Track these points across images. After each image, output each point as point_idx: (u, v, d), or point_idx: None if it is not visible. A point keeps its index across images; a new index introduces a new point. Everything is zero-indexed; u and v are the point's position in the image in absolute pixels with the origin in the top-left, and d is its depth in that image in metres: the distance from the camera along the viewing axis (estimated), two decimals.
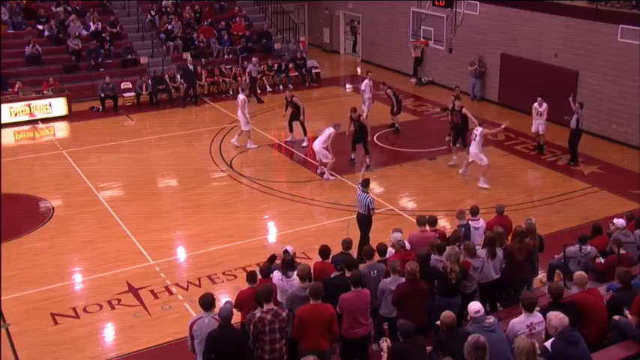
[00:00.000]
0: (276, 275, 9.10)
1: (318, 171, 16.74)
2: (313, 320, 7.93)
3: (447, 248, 9.20)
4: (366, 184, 12.47)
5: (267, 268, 9.25)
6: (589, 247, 10.83)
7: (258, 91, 23.67)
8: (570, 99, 17.47)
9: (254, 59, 23.96)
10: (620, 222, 11.17)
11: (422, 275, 8.77)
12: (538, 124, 18.10)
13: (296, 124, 18.96)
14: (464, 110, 17.23)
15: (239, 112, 18.46)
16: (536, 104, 17.99)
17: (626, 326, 8.01)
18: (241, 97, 18.54)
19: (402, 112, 20.30)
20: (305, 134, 18.88)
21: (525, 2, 20.78)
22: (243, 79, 23.94)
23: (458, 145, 17.29)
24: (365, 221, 12.36)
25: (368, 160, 16.78)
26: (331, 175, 16.43)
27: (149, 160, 18.43)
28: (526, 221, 10.55)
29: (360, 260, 9.89)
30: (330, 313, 8.03)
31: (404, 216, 14.47)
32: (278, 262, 9.63)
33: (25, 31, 24.35)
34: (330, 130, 16.21)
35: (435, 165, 17.51)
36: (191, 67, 22.81)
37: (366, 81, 20.51)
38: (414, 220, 11.33)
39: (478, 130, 15.90)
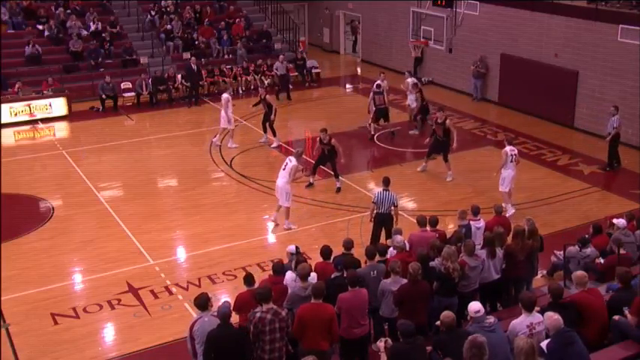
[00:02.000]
0: (290, 275, 9.08)
1: (272, 218, 14.34)
2: (313, 319, 7.94)
3: (444, 248, 9.19)
4: (388, 182, 12.46)
5: (279, 266, 9.24)
6: (589, 250, 10.84)
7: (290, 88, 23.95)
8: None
9: (281, 57, 24.07)
10: (620, 222, 11.18)
11: (423, 275, 8.78)
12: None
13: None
14: (448, 123, 16.27)
15: (222, 112, 18.54)
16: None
17: (626, 326, 8.01)
18: (225, 95, 18.60)
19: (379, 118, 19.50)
20: (274, 135, 18.72)
21: (525, 2, 20.78)
22: (262, 78, 24.04)
23: (432, 158, 16.75)
24: (388, 220, 12.30)
25: (338, 183, 15.86)
26: (292, 224, 14.05)
27: (149, 160, 18.43)
28: (527, 222, 10.56)
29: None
30: (331, 313, 8.04)
31: (404, 216, 14.46)
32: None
33: (25, 31, 24.36)
34: (291, 163, 13.82)
35: (435, 165, 17.47)
36: (194, 66, 22.84)
37: (378, 82, 19.73)
38: (414, 220, 11.34)
39: (515, 151, 14.47)
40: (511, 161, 14.32)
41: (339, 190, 15.81)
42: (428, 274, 9.00)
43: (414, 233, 10.75)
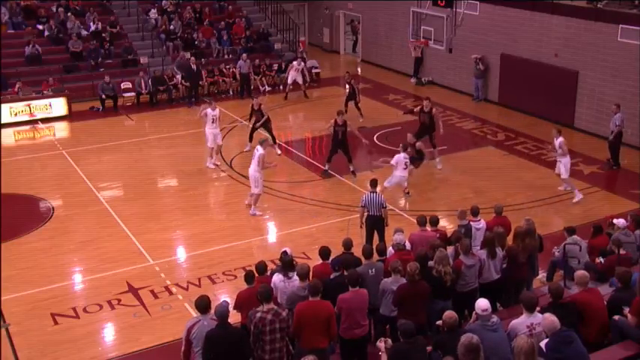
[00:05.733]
0: (277, 277, 9.09)
1: (246, 202, 14.91)
2: (311, 317, 7.94)
3: (436, 253, 9.18)
4: (375, 184, 12.44)
5: (262, 266, 9.21)
6: (577, 238, 10.97)
7: (252, 87, 24.08)
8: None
9: (244, 55, 24.13)
10: (620, 222, 11.17)
11: (422, 275, 8.78)
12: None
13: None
14: (434, 111, 17.05)
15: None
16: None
17: (626, 326, 8.01)
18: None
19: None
20: (251, 140, 18.14)
21: (525, 2, 20.78)
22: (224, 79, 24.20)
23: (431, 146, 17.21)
24: (380, 222, 12.28)
25: (352, 167, 16.42)
26: (258, 211, 14.60)
27: (149, 160, 18.43)
28: (526, 221, 10.56)
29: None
30: (329, 310, 8.04)
31: (404, 216, 14.47)
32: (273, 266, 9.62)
33: (25, 31, 24.35)
34: (259, 152, 14.27)
35: (434, 166, 17.47)
36: (194, 66, 22.84)
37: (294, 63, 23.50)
38: (415, 220, 11.33)
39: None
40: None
41: (354, 173, 16.23)
42: (427, 273, 9.00)
43: (415, 233, 10.74)
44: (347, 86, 21.22)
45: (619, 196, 15.58)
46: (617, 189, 16.12)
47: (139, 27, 25.89)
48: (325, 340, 8.07)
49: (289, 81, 23.58)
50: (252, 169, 14.44)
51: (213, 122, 16.97)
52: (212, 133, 17.01)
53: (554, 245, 11.72)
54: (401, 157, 14.56)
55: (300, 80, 23.59)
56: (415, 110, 17.50)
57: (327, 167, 16.61)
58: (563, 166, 15.07)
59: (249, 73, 23.97)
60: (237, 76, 23.95)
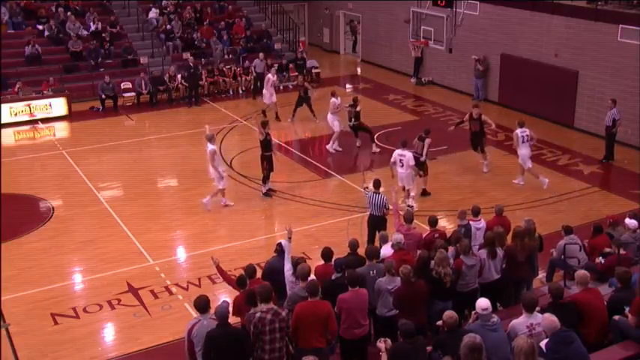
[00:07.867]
0: (289, 269, 9.09)
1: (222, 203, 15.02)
2: (310, 317, 7.95)
3: (437, 254, 9.17)
4: (378, 185, 12.45)
5: (251, 272, 9.11)
6: (575, 237, 10.96)
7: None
8: None
9: (260, 54, 24.01)
10: (632, 223, 11.05)
11: (423, 276, 8.77)
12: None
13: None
14: (483, 117, 16.72)
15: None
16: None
17: (626, 326, 8.01)
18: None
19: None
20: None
21: (525, 2, 20.78)
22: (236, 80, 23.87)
23: (480, 152, 17.01)
24: (381, 222, 12.27)
25: (264, 188, 15.51)
26: (208, 204, 14.80)
27: (149, 160, 18.43)
28: (526, 221, 10.55)
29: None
30: (327, 310, 8.04)
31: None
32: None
33: (25, 31, 24.37)
34: (208, 149, 14.45)
35: (435, 165, 17.46)
36: (193, 65, 22.83)
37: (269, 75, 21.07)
38: (415, 221, 11.33)
39: (526, 132, 15.56)
40: (523, 142, 15.50)
41: (265, 194, 15.46)
42: (429, 274, 9.00)
43: (401, 231, 10.66)
44: (304, 89, 20.50)
45: (619, 196, 15.57)
46: (617, 189, 16.10)
47: (139, 27, 25.90)
48: (323, 340, 8.08)
49: (274, 99, 21.02)
50: (210, 168, 14.90)
51: (337, 108, 18.18)
52: (336, 119, 18.15)
53: (553, 245, 11.72)
54: (395, 155, 14.62)
55: (274, 98, 20.96)
56: (465, 119, 17.01)
57: (266, 188, 15.56)
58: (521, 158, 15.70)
59: (264, 73, 23.84)
60: (253, 75, 23.74)
